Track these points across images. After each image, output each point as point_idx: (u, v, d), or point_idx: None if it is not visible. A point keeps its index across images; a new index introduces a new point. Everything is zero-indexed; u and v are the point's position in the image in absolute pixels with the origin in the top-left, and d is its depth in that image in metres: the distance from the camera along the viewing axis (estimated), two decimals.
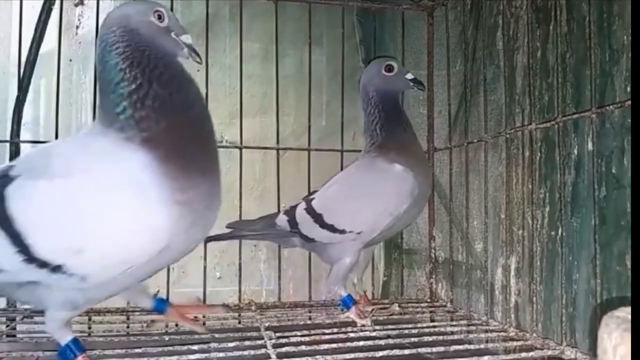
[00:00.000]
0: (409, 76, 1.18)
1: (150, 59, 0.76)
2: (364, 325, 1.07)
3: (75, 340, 0.78)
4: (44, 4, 1.24)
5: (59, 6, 1.27)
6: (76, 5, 1.44)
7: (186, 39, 0.81)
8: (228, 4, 1.47)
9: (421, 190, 1.12)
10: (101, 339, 1.00)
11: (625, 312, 0.51)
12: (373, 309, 1.18)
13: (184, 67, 0.80)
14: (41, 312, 1.18)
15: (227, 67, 1.50)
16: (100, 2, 1.32)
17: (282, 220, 1.19)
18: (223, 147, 1.46)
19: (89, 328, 1.12)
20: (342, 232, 1.11)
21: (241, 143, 1.35)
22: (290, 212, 1.18)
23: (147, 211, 0.69)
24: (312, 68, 1.40)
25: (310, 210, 1.15)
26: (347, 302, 1.12)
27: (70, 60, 1.43)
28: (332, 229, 1.12)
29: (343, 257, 1.13)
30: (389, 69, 1.18)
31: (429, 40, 1.47)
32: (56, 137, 1.26)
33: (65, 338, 0.77)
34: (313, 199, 1.18)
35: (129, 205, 0.69)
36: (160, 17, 0.80)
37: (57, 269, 0.70)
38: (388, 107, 1.17)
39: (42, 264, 0.70)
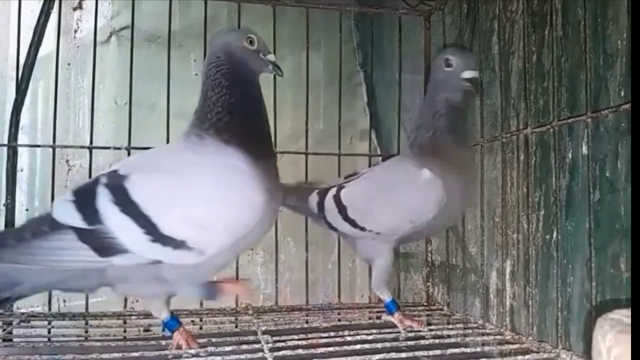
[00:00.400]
0: (467, 74, 1.04)
1: (241, 79, 0.93)
2: (411, 327, 1.06)
3: (173, 316, 0.93)
4: (43, 7, 1.25)
5: (57, 10, 1.28)
6: (74, 9, 1.44)
7: (271, 57, 0.98)
8: (226, 8, 1.47)
9: (452, 200, 1.02)
10: (98, 343, 1.00)
11: (619, 315, 0.52)
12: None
13: (259, 85, 0.97)
14: (37, 317, 1.19)
15: None
16: (99, 6, 1.33)
17: (313, 200, 1.17)
18: None
19: (86, 332, 1.13)
20: (362, 229, 1.10)
21: None
22: (322, 195, 1.16)
23: (250, 192, 0.84)
24: (309, 72, 1.41)
25: (337, 200, 1.13)
26: (391, 308, 1.10)
27: (69, 64, 1.44)
28: (353, 223, 1.10)
29: (375, 257, 1.11)
30: (448, 63, 1.06)
31: (426, 45, 1.48)
32: (54, 141, 1.27)
33: (166, 315, 0.91)
34: (343, 187, 1.14)
35: (237, 187, 0.84)
36: (251, 42, 0.96)
37: (180, 244, 0.81)
38: (438, 106, 1.06)
39: (167, 242, 0.80)
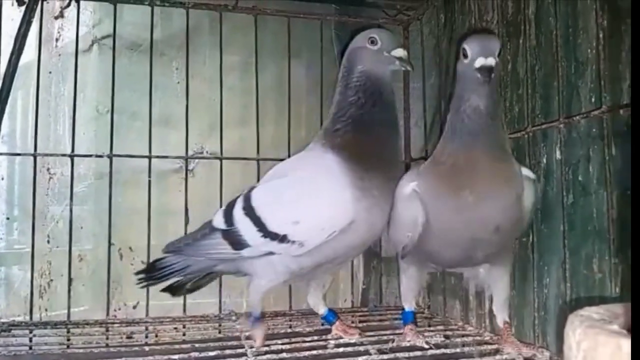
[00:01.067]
0: (477, 63, 0.83)
1: (357, 86, 0.98)
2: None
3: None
4: (24, 16, 1.24)
5: (38, 19, 1.28)
6: (56, 18, 1.44)
7: (397, 52, 0.98)
8: (208, 17, 1.49)
9: (437, 220, 0.88)
10: (81, 350, 1.00)
11: (589, 312, 0.54)
12: None
13: (387, 89, 0.98)
14: (18, 326, 1.18)
15: (208, 79, 1.51)
16: (81, 15, 1.33)
17: None
18: (203, 158, 1.48)
19: (68, 340, 1.12)
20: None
21: (221, 154, 1.36)
22: None
23: (337, 190, 0.92)
24: (291, 80, 1.43)
25: None
26: (407, 318, 1.03)
27: (50, 72, 1.43)
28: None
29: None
30: (465, 53, 0.85)
31: None
32: (35, 149, 1.26)
33: (258, 310, 1.02)
34: None
35: (326, 186, 0.93)
36: (373, 42, 0.98)
37: (283, 238, 0.94)
38: (457, 105, 0.87)
39: (274, 237, 0.95)
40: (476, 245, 0.89)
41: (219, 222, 1.03)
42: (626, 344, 0.41)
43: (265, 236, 0.96)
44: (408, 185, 0.92)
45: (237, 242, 0.99)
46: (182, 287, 1.16)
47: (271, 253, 0.97)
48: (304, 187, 0.96)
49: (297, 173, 0.99)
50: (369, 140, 0.96)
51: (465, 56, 0.85)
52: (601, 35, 0.86)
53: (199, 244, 1.04)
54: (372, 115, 0.96)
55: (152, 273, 1.11)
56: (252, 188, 1.03)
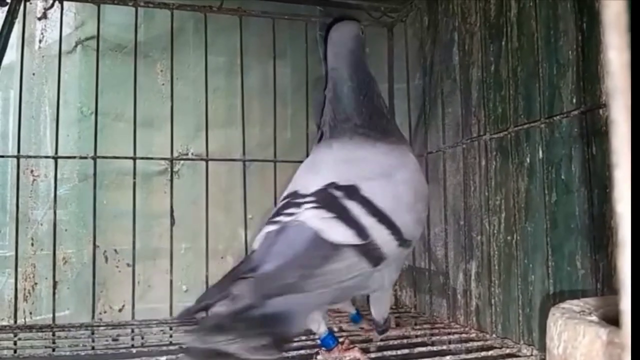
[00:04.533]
0: None
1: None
2: None
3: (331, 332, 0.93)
4: (6, 17, 1.23)
5: (21, 20, 1.27)
6: (39, 19, 1.42)
7: None
8: (192, 18, 1.48)
9: None
10: (67, 353, 0.99)
11: (570, 304, 0.55)
12: None
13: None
14: (2, 330, 1.17)
15: (192, 80, 1.50)
16: (64, 16, 1.33)
17: None
18: (189, 159, 1.47)
19: (54, 343, 1.11)
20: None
21: (207, 155, 1.36)
22: None
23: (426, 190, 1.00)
24: (276, 81, 1.43)
25: None
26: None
27: (33, 74, 1.41)
28: None
29: None
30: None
31: (389, 55, 1.52)
32: (18, 152, 1.25)
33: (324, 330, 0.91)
34: None
35: (420, 185, 0.99)
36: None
37: (410, 243, 0.93)
38: None
39: (406, 244, 0.91)
40: None
41: (345, 236, 0.81)
42: (604, 333, 0.42)
43: (400, 245, 0.88)
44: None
45: (375, 257, 0.84)
46: None
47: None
48: (411, 186, 0.96)
49: (406, 170, 0.98)
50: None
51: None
52: (580, 38, 0.88)
53: (325, 271, 0.78)
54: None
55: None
56: (350, 187, 0.88)
